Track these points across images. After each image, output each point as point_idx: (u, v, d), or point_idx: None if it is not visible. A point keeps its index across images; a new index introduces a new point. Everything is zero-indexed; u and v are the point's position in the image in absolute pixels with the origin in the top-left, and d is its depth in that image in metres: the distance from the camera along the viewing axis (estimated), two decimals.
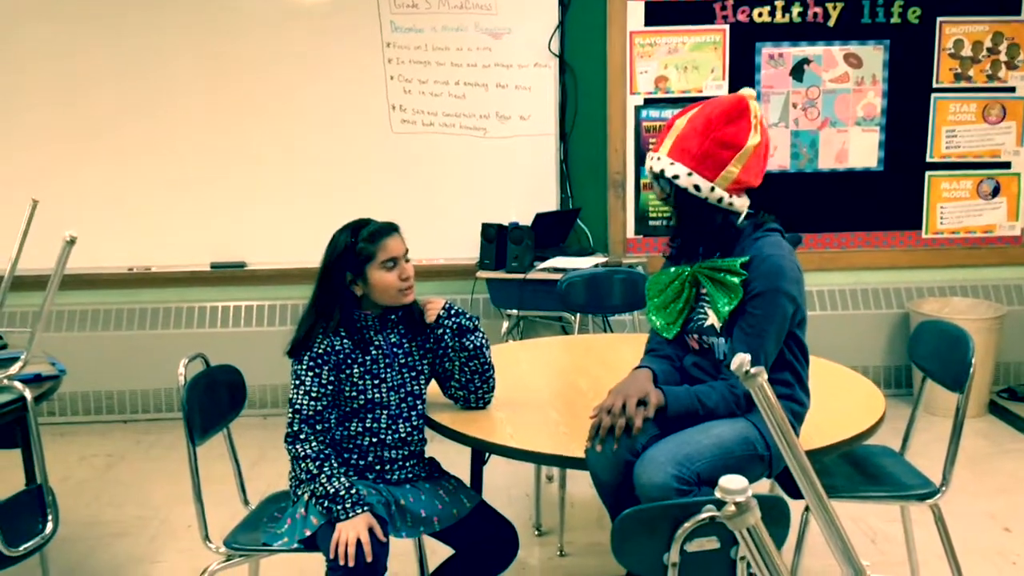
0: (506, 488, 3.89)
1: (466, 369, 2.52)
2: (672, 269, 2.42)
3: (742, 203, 2.31)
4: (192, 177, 4.85)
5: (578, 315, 4.14)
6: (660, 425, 2.22)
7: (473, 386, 2.54)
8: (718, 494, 0.87)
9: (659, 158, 2.31)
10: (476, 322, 2.53)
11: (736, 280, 2.24)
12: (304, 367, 2.37)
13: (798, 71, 4.89)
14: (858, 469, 2.79)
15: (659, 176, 2.31)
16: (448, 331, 2.50)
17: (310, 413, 2.35)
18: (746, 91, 2.29)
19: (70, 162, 4.80)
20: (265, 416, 4.89)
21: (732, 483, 0.87)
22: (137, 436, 4.70)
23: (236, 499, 2.78)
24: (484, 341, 2.53)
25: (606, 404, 2.22)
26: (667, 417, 2.21)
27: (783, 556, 2.75)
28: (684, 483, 2.05)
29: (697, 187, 2.25)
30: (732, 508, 0.85)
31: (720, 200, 2.27)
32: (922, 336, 2.91)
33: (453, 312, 2.50)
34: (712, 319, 2.31)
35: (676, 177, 2.26)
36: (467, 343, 2.49)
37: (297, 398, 2.36)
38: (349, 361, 2.41)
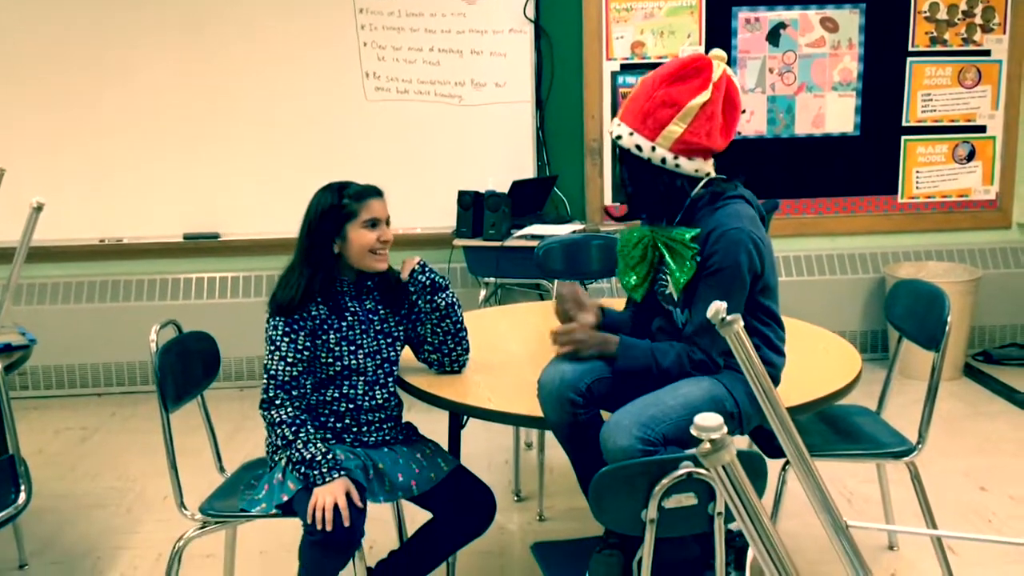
0: (485, 455, 3.88)
1: (439, 330, 2.51)
2: (637, 231, 2.38)
3: (694, 166, 2.23)
4: (165, 148, 4.78)
5: (556, 282, 4.12)
6: (613, 374, 2.22)
7: (447, 347, 2.53)
8: (693, 431, 0.86)
9: (613, 121, 2.29)
10: (447, 282, 2.52)
11: (688, 254, 2.19)
12: (279, 333, 2.34)
13: (774, 36, 4.86)
14: (834, 428, 2.80)
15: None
16: (420, 288, 2.48)
17: (285, 379, 2.33)
18: (714, 52, 2.23)
19: (40, 133, 4.72)
20: (241, 388, 4.86)
21: (707, 420, 0.85)
22: (112, 409, 4.66)
23: (212, 470, 2.76)
24: (455, 300, 2.52)
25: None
26: (617, 366, 2.21)
27: None
28: (649, 444, 2.04)
29: (639, 147, 2.21)
30: (707, 445, 0.84)
31: (664, 161, 2.21)
32: (898, 296, 2.92)
33: (427, 269, 2.49)
34: (671, 287, 2.28)
35: (619, 138, 2.24)
36: (439, 300, 2.49)
37: (272, 363, 2.34)
38: (325, 327, 2.38)
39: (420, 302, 2.52)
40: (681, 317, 2.29)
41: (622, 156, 2.28)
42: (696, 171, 2.24)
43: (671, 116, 2.18)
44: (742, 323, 1.11)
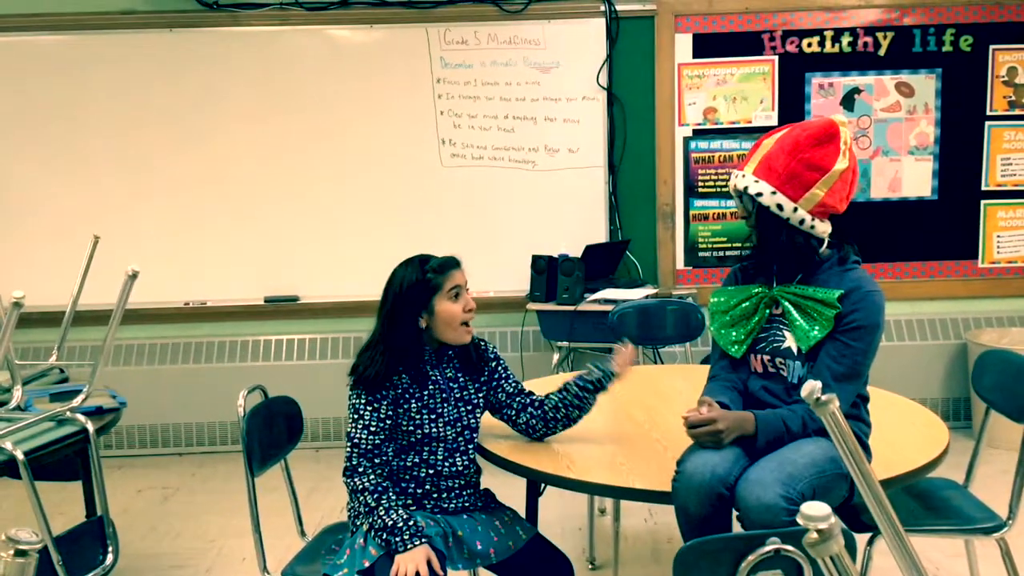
0: (559, 521, 3.86)
1: (561, 410, 2.53)
2: (745, 288, 2.41)
3: (824, 228, 2.31)
4: (246, 213, 4.93)
5: (626, 341, 4.11)
6: (747, 448, 2.22)
7: (554, 425, 2.54)
8: (800, 521, 0.86)
9: (743, 176, 2.32)
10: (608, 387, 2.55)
11: (831, 313, 2.24)
12: (363, 401, 2.38)
13: (849, 100, 4.86)
14: (921, 502, 2.73)
15: (743, 193, 2.32)
16: (596, 386, 2.52)
17: (368, 447, 2.36)
18: (838, 116, 2.31)
19: (126, 199, 4.91)
20: (318, 449, 4.91)
21: (814, 509, 0.85)
22: (192, 469, 4.75)
23: (290, 532, 2.79)
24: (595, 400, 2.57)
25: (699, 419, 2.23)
26: (760, 444, 2.21)
27: None
28: (791, 502, 2.05)
29: (780, 206, 2.26)
30: (815, 535, 0.84)
31: (802, 222, 2.27)
32: (986, 366, 2.86)
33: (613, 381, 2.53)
34: (790, 342, 2.31)
35: (760, 195, 2.27)
36: (592, 402, 2.53)
37: (355, 432, 2.37)
38: (407, 396, 2.42)
39: (579, 388, 2.52)
40: (800, 371, 2.31)
41: (757, 213, 2.31)
42: (823, 232, 2.31)
43: (816, 179, 2.24)
44: (838, 403, 1.11)
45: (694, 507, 2.16)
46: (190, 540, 3.87)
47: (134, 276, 2.67)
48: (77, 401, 2.84)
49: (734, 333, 2.40)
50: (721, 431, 2.20)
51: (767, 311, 2.37)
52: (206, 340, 4.99)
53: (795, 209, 2.26)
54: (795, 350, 2.30)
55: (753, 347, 2.39)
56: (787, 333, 2.32)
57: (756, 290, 2.39)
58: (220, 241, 4.95)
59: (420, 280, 2.42)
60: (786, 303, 2.32)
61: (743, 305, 2.39)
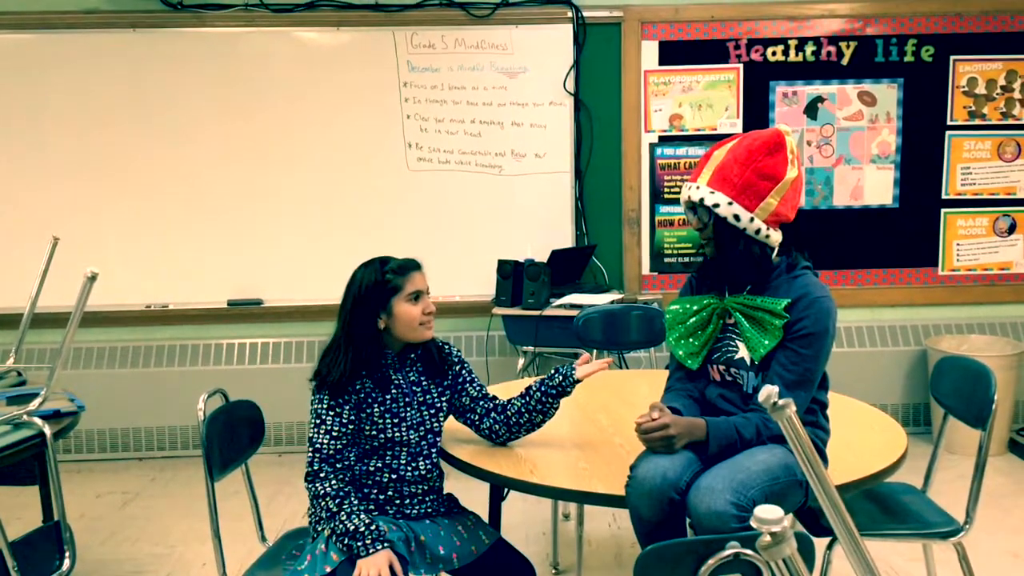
0: (523, 526, 3.86)
1: (525, 416, 2.52)
2: (698, 299, 2.42)
3: (777, 237, 2.31)
4: (209, 215, 4.89)
5: (595, 351, 4.13)
6: (700, 454, 2.23)
7: (517, 428, 2.54)
8: (753, 524, 0.87)
9: (697, 187, 2.31)
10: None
11: (778, 323, 2.25)
12: (325, 406, 2.37)
13: (812, 109, 4.91)
14: (880, 506, 2.76)
15: (697, 205, 2.32)
16: (560, 388, 2.50)
17: (330, 452, 2.35)
18: (782, 126, 2.33)
19: (88, 200, 4.85)
20: (280, 454, 4.87)
21: (768, 512, 0.86)
22: (153, 473, 4.69)
23: (251, 537, 2.77)
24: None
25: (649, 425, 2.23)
26: (711, 451, 2.22)
27: None
28: (742, 510, 2.06)
29: (737, 216, 2.26)
30: (767, 538, 0.84)
31: (758, 231, 2.27)
32: (944, 373, 2.90)
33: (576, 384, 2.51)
34: (743, 352, 2.32)
35: (716, 206, 2.27)
36: (555, 407, 2.52)
37: (317, 437, 2.36)
38: (370, 400, 2.41)
39: (541, 393, 2.51)
40: (754, 381, 2.32)
41: (714, 224, 2.30)
42: (776, 241, 2.32)
43: (770, 189, 2.26)
44: (794, 408, 1.12)
45: (646, 511, 2.17)
46: (149, 545, 3.82)
47: (93, 278, 2.63)
48: (34, 404, 2.79)
49: (691, 342, 2.40)
50: (672, 436, 2.21)
51: (720, 322, 2.37)
52: (167, 343, 4.94)
53: (752, 219, 2.26)
54: (748, 360, 2.31)
55: (709, 357, 2.40)
56: (740, 343, 2.33)
57: (706, 301, 2.39)
58: (183, 243, 4.90)
59: (379, 281, 2.41)
60: (737, 314, 2.33)
61: (699, 315, 2.39)
